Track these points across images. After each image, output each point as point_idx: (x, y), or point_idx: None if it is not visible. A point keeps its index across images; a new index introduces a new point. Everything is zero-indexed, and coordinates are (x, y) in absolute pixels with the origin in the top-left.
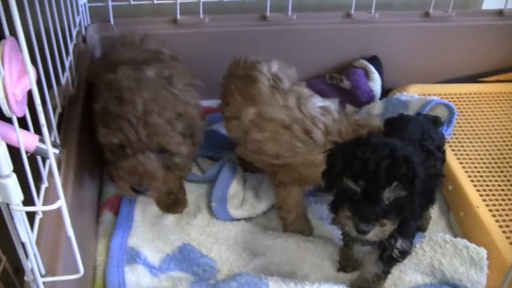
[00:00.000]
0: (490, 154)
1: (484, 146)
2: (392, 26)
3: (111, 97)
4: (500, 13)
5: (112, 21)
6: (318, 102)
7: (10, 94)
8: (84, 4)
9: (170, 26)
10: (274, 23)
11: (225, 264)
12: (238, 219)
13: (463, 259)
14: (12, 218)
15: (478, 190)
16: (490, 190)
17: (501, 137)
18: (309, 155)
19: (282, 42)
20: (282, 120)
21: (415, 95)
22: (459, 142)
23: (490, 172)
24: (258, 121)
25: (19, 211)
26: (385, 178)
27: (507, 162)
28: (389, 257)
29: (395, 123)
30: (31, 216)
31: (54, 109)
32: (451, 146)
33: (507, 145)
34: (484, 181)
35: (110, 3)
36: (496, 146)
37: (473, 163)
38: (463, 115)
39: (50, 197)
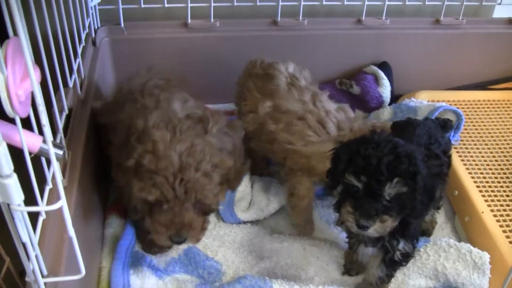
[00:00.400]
0: (496, 161)
1: (491, 152)
2: (402, 32)
3: (144, 151)
4: (510, 21)
5: (122, 24)
6: (329, 102)
7: (13, 95)
8: (95, 6)
9: (180, 30)
10: (285, 28)
11: (231, 267)
12: (245, 222)
13: (466, 263)
14: (13, 219)
15: (483, 196)
16: (496, 196)
17: (508, 144)
18: (320, 146)
19: (293, 47)
20: (297, 112)
21: (424, 101)
22: (466, 148)
23: (496, 178)
24: (274, 113)
25: (19, 212)
26: (387, 173)
27: None
28: (392, 260)
29: (402, 126)
30: (34, 217)
31: (60, 111)
32: (458, 152)
33: None
34: (490, 186)
35: (121, 6)
36: (502, 152)
37: (479, 169)
38: (471, 122)
39: (54, 198)
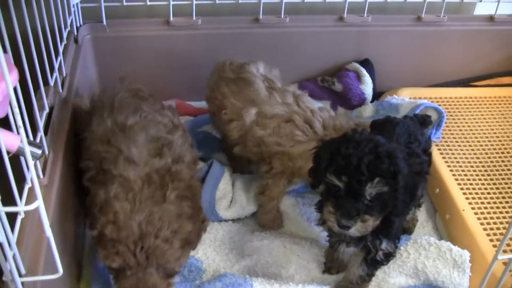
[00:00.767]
0: (478, 158)
1: (473, 150)
2: (384, 29)
3: (106, 222)
4: (491, 18)
5: (104, 22)
6: (312, 101)
7: None
8: (77, 4)
9: (162, 28)
10: (267, 26)
11: (211, 265)
12: (226, 220)
13: (446, 262)
14: None
15: (464, 193)
16: (477, 194)
17: (490, 141)
18: (308, 145)
19: (275, 45)
20: (283, 115)
21: (406, 98)
22: (448, 146)
23: (477, 175)
24: (259, 119)
25: None
26: (367, 173)
27: (494, 166)
28: (373, 260)
29: (381, 125)
30: (14, 216)
31: (41, 110)
32: (439, 149)
33: (495, 149)
34: (471, 184)
35: (103, 4)
36: (484, 150)
37: (460, 166)
38: (453, 119)
39: (33, 198)
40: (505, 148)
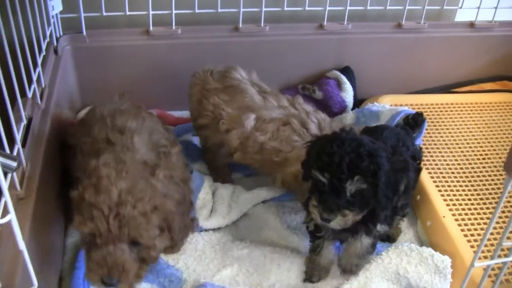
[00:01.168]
0: (459, 164)
1: (454, 156)
2: (364, 37)
3: (88, 184)
4: (471, 25)
5: (84, 32)
6: (306, 103)
7: None
8: (56, 15)
9: (142, 38)
10: (246, 35)
11: (192, 275)
12: (207, 230)
13: (428, 267)
14: None
15: (445, 200)
16: (457, 200)
17: (471, 148)
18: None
19: (255, 53)
20: (281, 118)
21: (387, 105)
22: (429, 152)
23: (458, 182)
24: (258, 124)
25: None
26: (347, 171)
27: (475, 172)
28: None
29: (372, 130)
30: None
31: (18, 122)
32: None
33: (476, 155)
34: (452, 191)
35: (83, 14)
36: (465, 156)
37: (441, 173)
38: (434, 125)
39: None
40: (486, 154)
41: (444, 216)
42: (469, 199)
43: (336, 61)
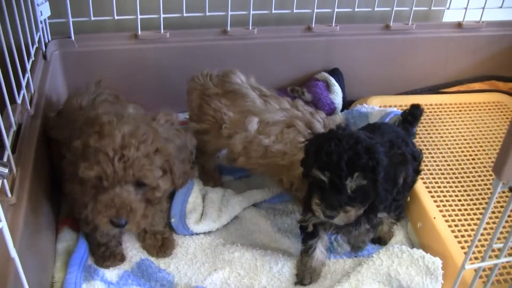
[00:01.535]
0: (448, 165)
1: (443, 157)
2: (352, 38)
3: (92, 132)
4: (459, 25)
5: (73, 37)
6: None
7: None
8: (45, 20)
9: (131, 42)
10: (235, 38)
11: (183, 279)
12: (198, 233)
13: (419, 269)
14: None
15: (435, 201)
16: (448, 201)
17: (460, 148)
18: None
19: (244, 56)
20: (284, 121)
21: (376, 107)
22: None
23: (448, 183)
24: (262, 128)
25: None
26: (346, 169)
27: (465, 173)
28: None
29: (371, 127)
30: None
31: (8, 128)
32: None
33: (465, 156)
34: (442, 192)
35: (71, 19)
36: (455, 157)
37: (431, 174)
38: (423, 126)
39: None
40: (476, 155)
41: (434, 218)
42: (459, 200)
43: (324, 63)
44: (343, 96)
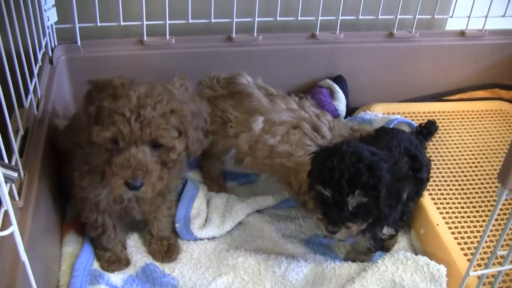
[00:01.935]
0: (451, 172)
1: (446, 164)
2: (356, 46)
3: (105, 95)
4: (462, 33)
5: (79, 42)
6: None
7: None
8: (51, 25)
9: (136, 47)
10: (240, 44)
11: (188, 284)
12: (202, 239)
13: (423, 276)
14: None
15: (438, 208)
16: (450, 208)
17: (463, 155)
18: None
19: (248, 63)
20: (291, 121)
21: (379, 114)
22: None
23: (451, 190)
24: (267, 127)
25: None
26: (347, 187)
27: (468, 180)
28: (379, 238)
29: (387, 131)
30: None
31: (16, 132)
32: None
33: (468, 163)
34: (445, 199)
35: (77, 24)
36: (457, 164)
37: (434, 181)
38: None
39: (8, 221)
40: (478, 162)
41: (437, 224)
42: (462, 207)
43: (328, 70)
44: (347, 103)
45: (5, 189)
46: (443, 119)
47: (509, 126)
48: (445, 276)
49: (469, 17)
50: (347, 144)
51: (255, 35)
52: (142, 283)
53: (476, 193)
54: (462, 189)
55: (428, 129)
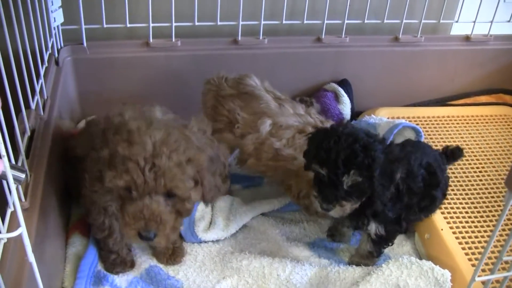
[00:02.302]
0: (456, 177)
1: (450, 169)
2: (362, 50)
3: (119, 140)
4: (467, 38)
5: (85, 44)
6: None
7: None
8: (58, 26)
9: (142, 49)
10: (245, 47)
11: (192, 286)
12: (206, 241)
13: (428, 280)
14: None
15: (443, 213)
16: (455, 213)
17: (467, 160)
18: None
19: (254, 66)
20: (297, 126)
21: (384, 118)
22: None
23: (455, 194)
24: (274, 130)
25: None
26: (343, 167)
27: (472, 185)
28: (373, 240)
29: (412, 143)
30: None
31: (22, 133)
32: None
33: (472, 168)
34: (449, 203)
35: (84, 26)
36: (462, 169)
37: None
38: (430, 138)
39: (15, 222)
40: (483, 167)
41: (442, 229)
42: (467, 212)
43: (333, 74)
44: (352, 107)
45: (15, 192)
46: (448, 123)
47: None
48: (449, 281)
49: (474, 22)
50: (344, 126)
51: (260, 38)
52: (147, 285)
53: (481, 198)
54: (467, 194)
55: (453, 154)
